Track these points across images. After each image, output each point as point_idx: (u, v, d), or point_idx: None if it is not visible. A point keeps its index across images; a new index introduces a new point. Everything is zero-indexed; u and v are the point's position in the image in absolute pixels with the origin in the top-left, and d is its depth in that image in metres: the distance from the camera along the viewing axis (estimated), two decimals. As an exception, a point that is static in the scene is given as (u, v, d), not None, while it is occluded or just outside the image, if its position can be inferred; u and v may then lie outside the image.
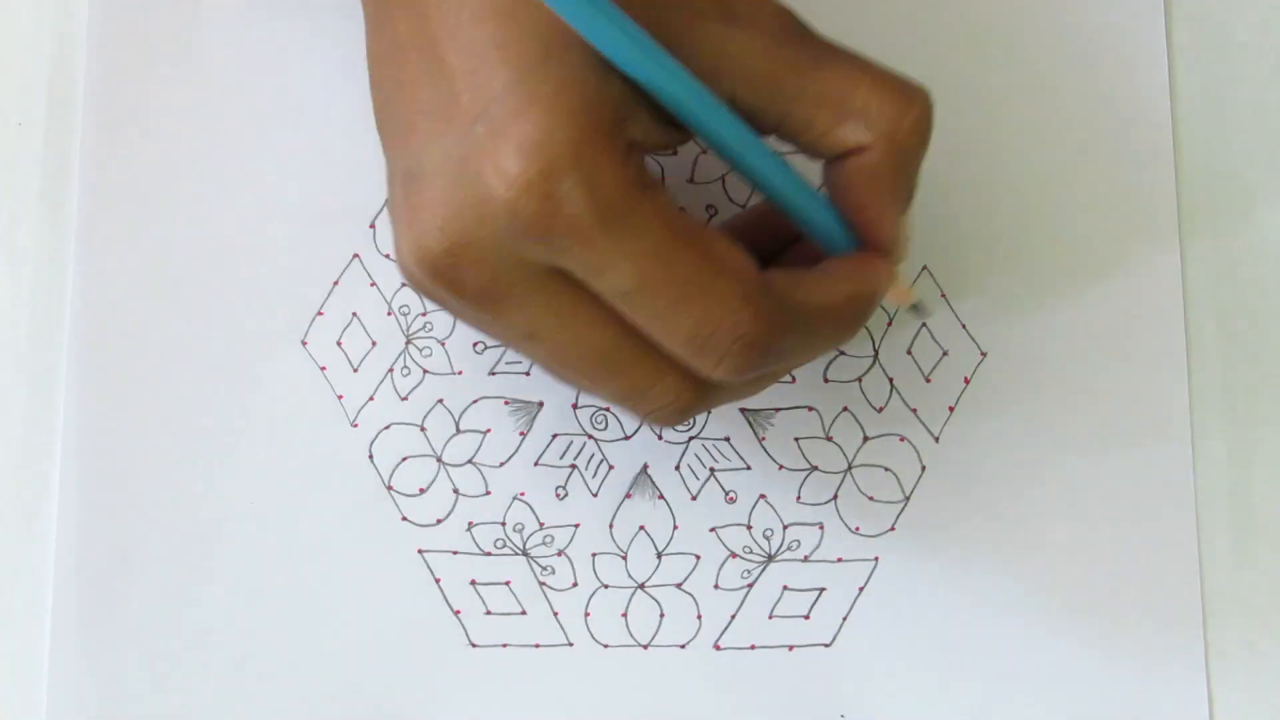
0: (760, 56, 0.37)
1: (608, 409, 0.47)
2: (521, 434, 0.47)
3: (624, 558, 0.47)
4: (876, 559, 0.47)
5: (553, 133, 0.34)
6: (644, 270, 0.34)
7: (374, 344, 0.48)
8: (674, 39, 0.36)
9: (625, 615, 0.47)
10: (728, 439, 0.47)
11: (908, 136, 0.38)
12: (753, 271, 0.36)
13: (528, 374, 0.48)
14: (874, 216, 0.39)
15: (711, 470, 0.47)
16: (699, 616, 0.47)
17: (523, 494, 0.47)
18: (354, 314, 0.48)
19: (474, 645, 0.46)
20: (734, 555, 0.47)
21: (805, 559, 0.47)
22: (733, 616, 0.47)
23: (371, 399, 0.47)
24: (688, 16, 0.37)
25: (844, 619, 0.47)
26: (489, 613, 0.47)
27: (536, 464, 0.47)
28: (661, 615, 0.47)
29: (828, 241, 0.40)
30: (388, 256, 0.48)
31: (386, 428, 0.47)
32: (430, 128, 0.36)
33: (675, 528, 0.47)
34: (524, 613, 0.47)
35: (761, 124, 0.38)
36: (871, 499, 0.47)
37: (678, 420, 0.39)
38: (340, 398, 0.47)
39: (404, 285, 0.48)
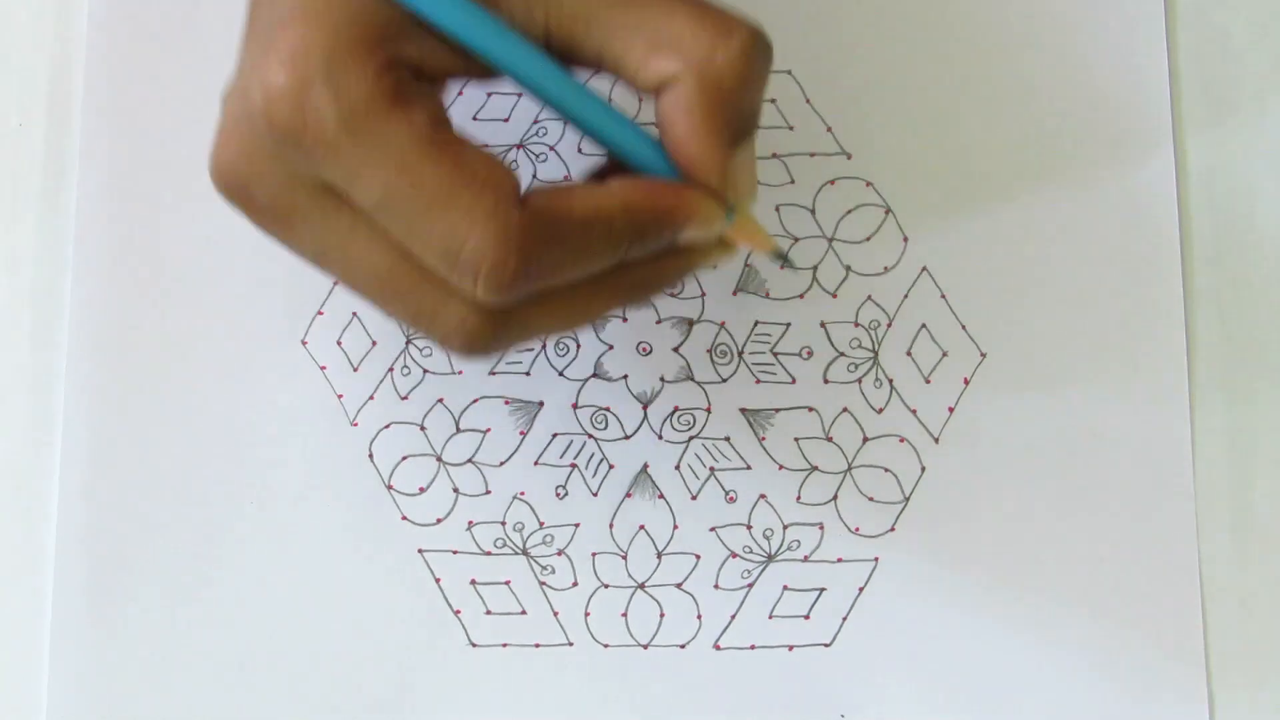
0: None
1: (608, 408, 0.47)
2: (521, 433, 0.47)
3: (624, 557, 0.47)
4: (876, 559, 0.47)
5: (309, 45, 0.34)
6: (389, 181, 0.34)
7: (374, 343, 0.48)
8: None
9: (625, 615, 0.47)
10: (728, 439, 0.47)
11: (724, 69, 0.36)
12: (507, 185, 0.35)
13: (528, 374, 0.48)
14: (692, 151, 0.37)
15: (712, 470, 0.47)
16: (699, 616, 0.47)
17: (523, 493, 0.47)
18: (354, 313, 0.48)
19: (474, 645, 0.46)
20: (734, 555, 0.47)
21: (805, 559, 0.47)
22: (733, 616, 0.47)
23: (371, 398, 0.47)
24: None
25: (844, 619, 0.47)
26: (489, 612, 0.47)
27: (536, 463, 0.47)
28: (661, 615, 0.47)
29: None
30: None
31: (386, 427, 0.47)
32: (241, 52, 0.37)
33: (675, 527, 0.47)
34: (524, 612, 0.47)
35: (581, 58, 0.37)
36: (871, 499, 0.47)
37: (475, 349, 0.37)
38: (340, 397, 0.47)
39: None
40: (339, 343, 0.48)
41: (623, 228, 0.37)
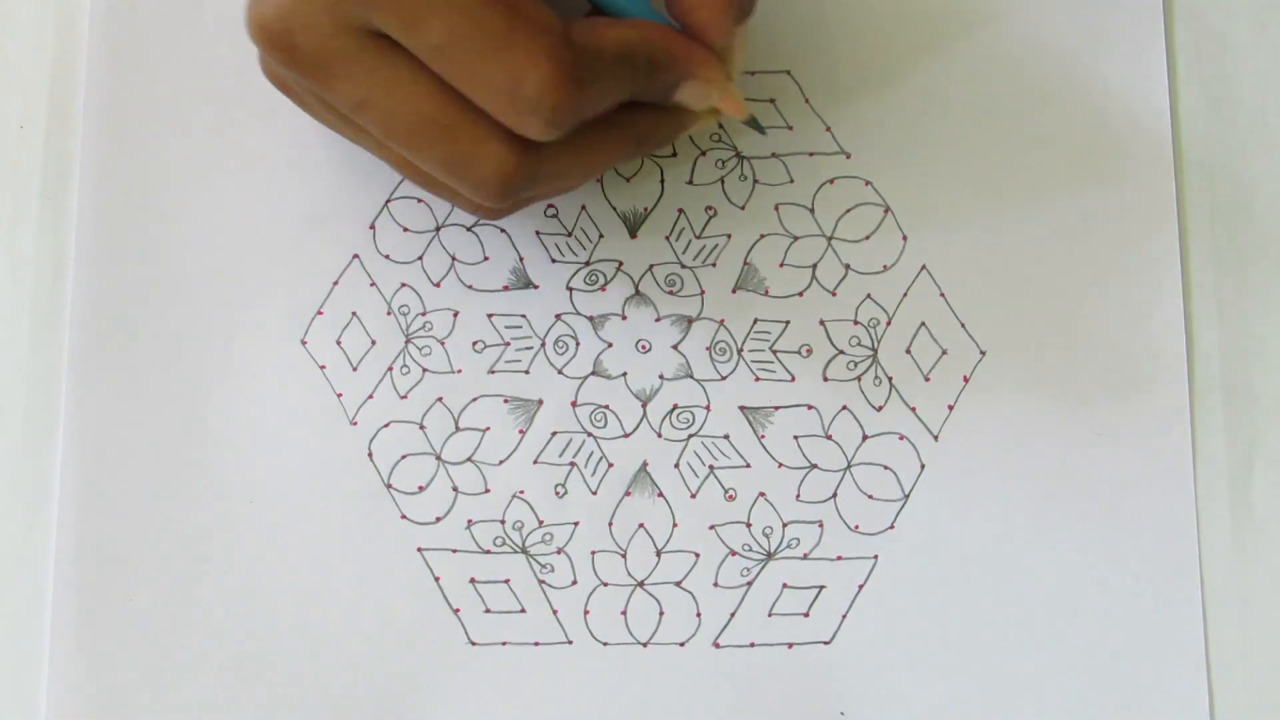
0: None
1: (607, 406, 0.47)
2: (521, 432, 0.47)
3: (623, 556, 0.47)
4: (876, 557, 0.47)
5: None
6: (452, 24, 0.37)
7: (374, 343, 0.48)
8: None
9: (624, 613, 0.47)
10: (727, 437, 0.47)
11: None
12: (557, 26, 0.38)
13: (527, 372, 0.48)
14: (705, 18, 0.41)
15: (711, 468, 0.47)
16: (698, 614, 0.47)
17: (522, 492, 0.47)
18: (353, 313, 0.48)
19: (473, 643, 0.46)
20: (733, 553, 0.47)
21: (805, 557, 0.47)
22: (732, 614, 0.47)
23: (371, 397, 0.47)
24: None
25: (843, 617, 0.47)
26: (488, 611, 0.47)
27: (536, 462, 0.47)
28: (661, 613, 0.47)
29: None
30: (387, 257, 0.48)
31: (386, 426, 0.47)
32: None
33: (674, 525, 0.47)
34: (523, 611, 0.47)
35: None
36: (871, 497, 0.47)
37: (502, 193, 0.40)
38: (340, 396, 0.47)
39: (403, 285, 0.48)
40: (339, 342, 0.48)
41: (644, 63, 0.40)
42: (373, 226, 0.48)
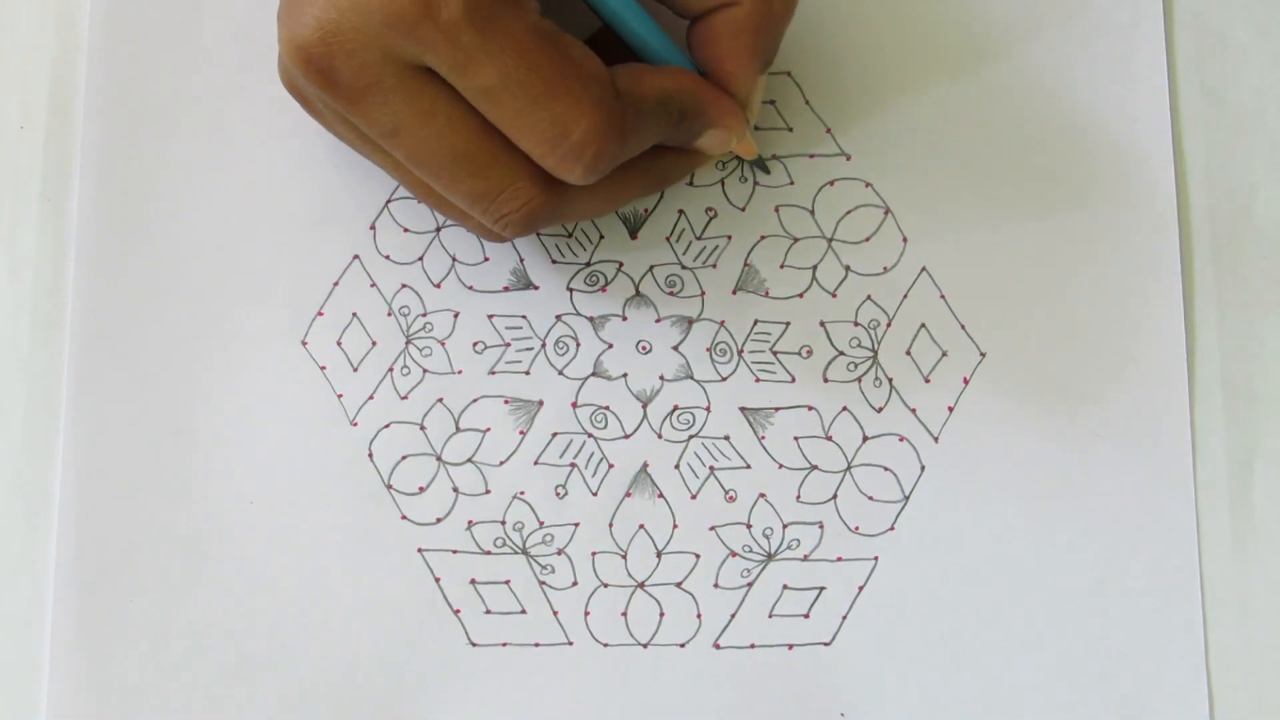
0: None
1: (607, 407, 0.47)
2: (521, 433, 0.47)
3: (624, 557, 0.47)
4: (876, 558, 0.47)
5: None
6: (506, 68, 0.37)
7: (374, 344, 0.48)
8: None
9: (625, 614, 0.47)
10: (728, 438, 0.47)
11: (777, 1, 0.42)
12: (605, 76, 0.39)
13: (527, 373, 0.48)
14: (733, 70, 0.43)
15: (711, 469, 0.47)
16: (699, 615, 0.47)
17: (522, 493, 0.47)
18: (354, 314, 0.48)
19: (474, 644, 0.46)
20: (734, 554, 0.47)
21: (805, 558, 0.47)
22: (732, 615, 0.47)
23: (371, 398, 0.47)
24: None
25: (844, 618, 0.47)
26: (489, 612, 0.47)
27: (536, 463, 0.47)
28: (661, 614, 0.47)
29: None
30: (388, 257, 0.48)
31: (386, 426, 0.47)
32: None
33: (675, 526, 0.47)
34: (524, 612, 0.47)
35: None
36: (871, 498, 0.47)
37: (525, 229, 0.41)
38: (340, 397, 0.47)
39: (404, 286, 0.48)
40: (339, 343, 0.48)
41: (677, 112, 0.42)
42: (373, 227, 0.48)
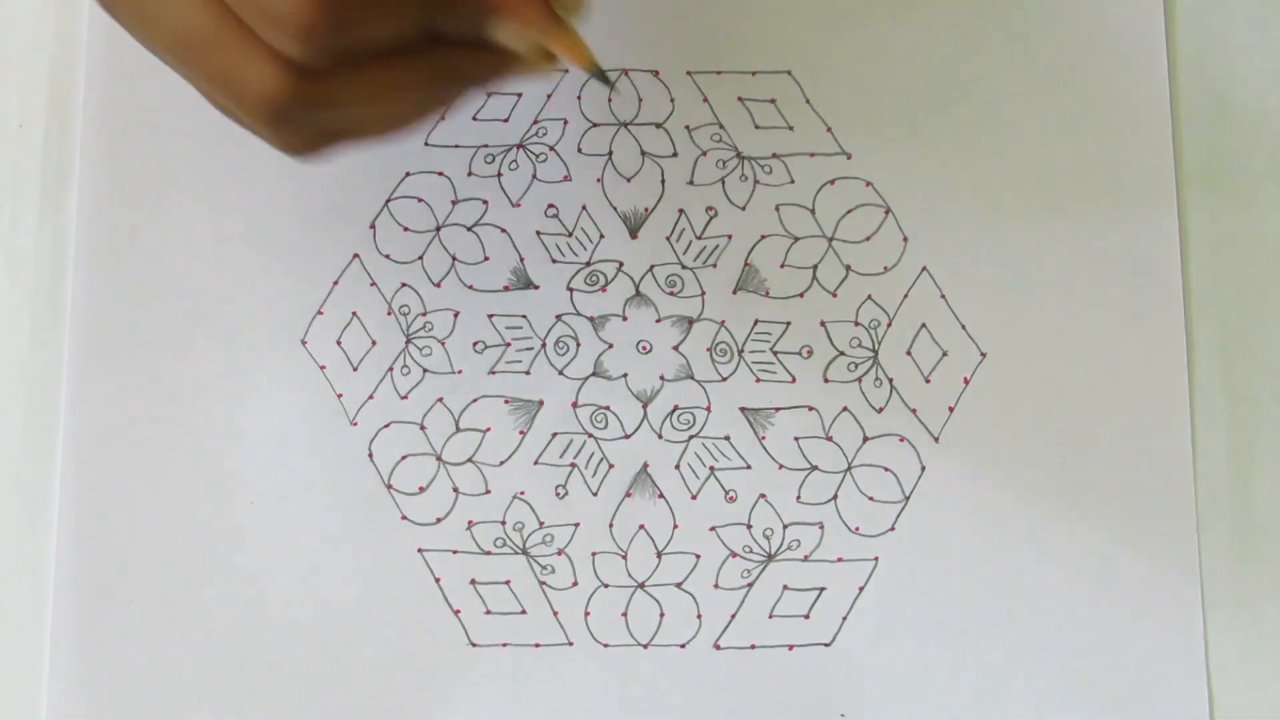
0: None
1: (607, 407, 0.47)
2: (521, 433, 0.47)
3: (624, 557, 0.47)
4: (876, 559, 0.47)
5: None
6: None
7: (374, 343, 0.48)
8: None
9: (625, 615, 0.47)
10: (728, 438, 0.47)
11: None
12: None
13: (528, 373, 0.48)
14: None
15: (711, 469, 0.47)
16: (699, 616, 0.47)
17: (522, 493, 0.47)
18: (354, 313, 0.48)
19: (474, 645, 0.46)
20: (734, 555, 0.47)
21: (805, 558, 0.47)
22: (733, 616, 0.47)
23: (371, 398, 0.47)
24: None
25: (844, 619, 0.47)
26: (489, 612, 0.47)
27: (536, 463, 0.47)
28: (661, 615, 0.47)
29: None
30: (388, 256, 0.48)
31: (386, 426, 0.47)
32: None
33: (675, 527, 0.47)
34: (524, 612, 0.47)
35: None
36: (871, 499, 0.47)
37: (278, 112, 0.37)
38: (340, 396, 0.47)
39: (404, 285, 0.48)
40: (339, 342, 0.48)
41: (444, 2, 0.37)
42: (373, 226, 0.48)
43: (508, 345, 0.48)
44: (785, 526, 0.47)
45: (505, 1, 0.38)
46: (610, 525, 0.47)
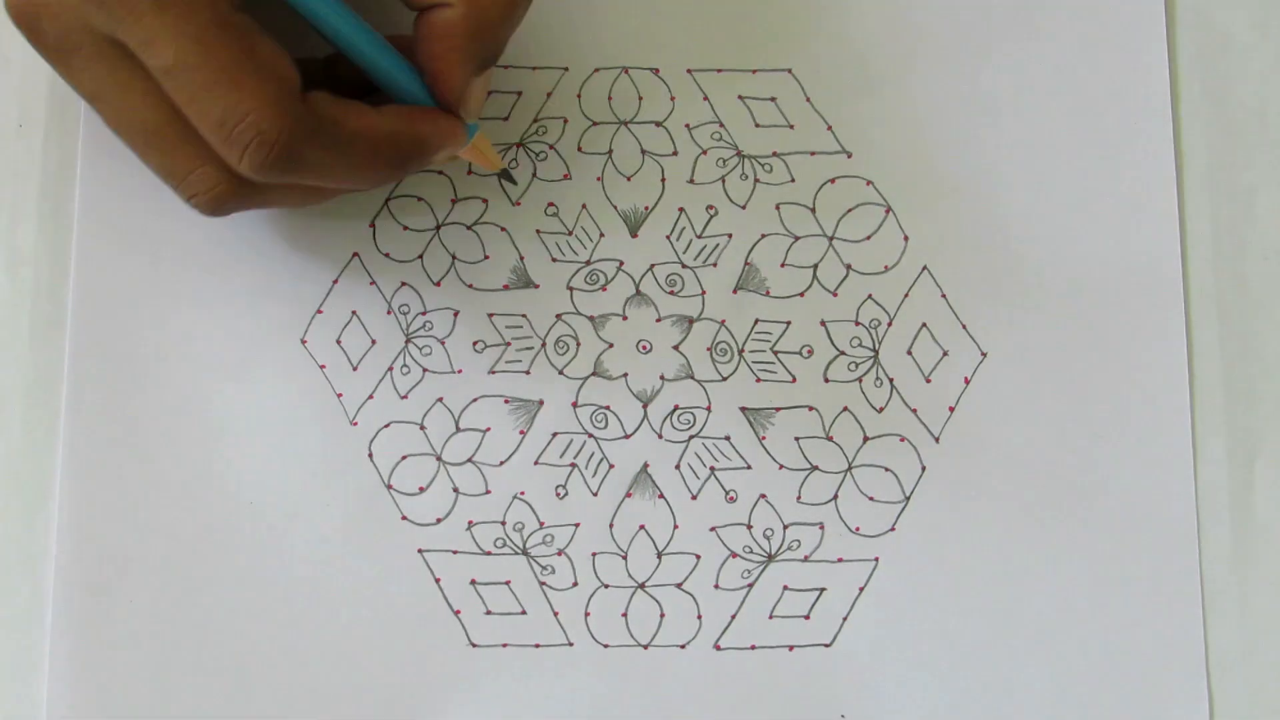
0: None
1: (607, 407, 0.47)
2: (521, 433, 0.47)
3: (624, 557, 0.47)
4: (877, 559, 0.47)
5: None
6: (183, 50, 0.38)
7: (373, 342, 0.48)
8: None
9: (625, 615, 0.47)
10: (728, 438, 0.47)
11: (490, 4, 0.42)
12: (292, 80, 0.39)
13: (528, 372, 0.48)
14: (444, 69, 0.42)
15: (712, 470, 0.47)
16: (699, 616, 0.47)
17: (523, 493, 0.47)
18: (353, 313, 0.48)
19: (474, 645, 0.46)
20: (734, 555, 0.47)
21: (805, 559, 0.47)
22: (733, 616, 0.47)
23: (371, 397, 0.47)
24: None
25: (844, 619, 0.47)
26: (489, 612, 0.47)
27: (536, 463, 0.47)
28: (662, 615, 0.47)
29: (408, 99, 0.43)
30: (387, 255, 0.48)
31: (386, 426, 0.47)
32: None
33: (675, 527, 0.47)
34: (524, 612, 0.47)
35: None
36: (871, 499, 0.47)
37: (212, 212, 0.42)
38: (340, 396, 0.47)
39: (403, 284, 0.48)
40: (338, 342, 0.48)
41: (391, 153, 0.42)
42: (372, 225, 0.48)
43: (508, 345, 0.48)
44: (785, 527, 0.47)
45: (442, 139, 0.43)
46: (610, 525, 0.47)
